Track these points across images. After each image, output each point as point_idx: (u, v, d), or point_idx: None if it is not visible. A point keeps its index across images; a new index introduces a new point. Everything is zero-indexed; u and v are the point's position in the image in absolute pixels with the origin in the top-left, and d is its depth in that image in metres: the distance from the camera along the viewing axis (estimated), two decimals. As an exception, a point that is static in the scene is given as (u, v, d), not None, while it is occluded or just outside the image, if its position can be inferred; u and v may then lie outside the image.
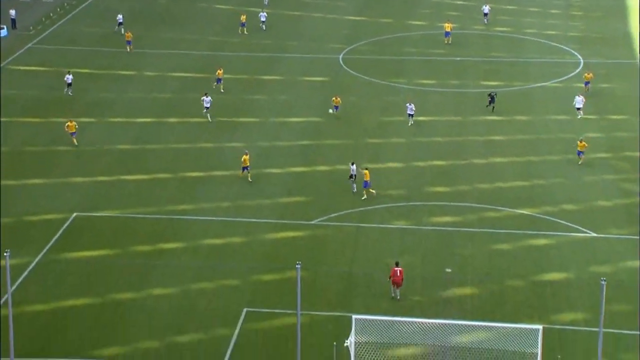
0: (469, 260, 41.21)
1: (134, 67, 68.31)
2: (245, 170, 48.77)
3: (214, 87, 62.87)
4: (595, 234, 43.37)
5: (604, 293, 27.54)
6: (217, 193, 48.44)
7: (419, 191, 48.44)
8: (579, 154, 50.54)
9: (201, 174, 50.92)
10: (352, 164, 47.98)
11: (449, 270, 40.30)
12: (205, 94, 57.94)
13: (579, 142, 50.99)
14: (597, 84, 64.09)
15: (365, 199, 45.51)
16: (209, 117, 57.30)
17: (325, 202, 46.59)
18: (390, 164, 51.86)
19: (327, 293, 38.57)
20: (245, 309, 37.42)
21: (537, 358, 30.66)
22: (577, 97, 57.32)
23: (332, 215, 45.30)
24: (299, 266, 29.35)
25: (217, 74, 63.58)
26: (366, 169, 46.93)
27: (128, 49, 70.86)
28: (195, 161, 52.44)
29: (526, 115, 59.16)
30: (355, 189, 46.97)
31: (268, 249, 42.49)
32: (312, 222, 44.95)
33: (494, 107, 57.97)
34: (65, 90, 61.31)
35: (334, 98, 57.92)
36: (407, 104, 56.56)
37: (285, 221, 45.03)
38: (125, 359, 33.98)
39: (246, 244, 43.00)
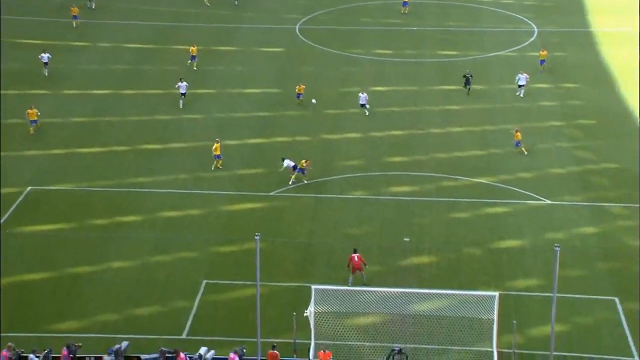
0: (426, 229, 41.47)
1: (88, 39, 66.95)
2: (218, 158, 46.89)
3: (188, 64, 60.82)
4: (549, 201, 43.96)
5: (558, 259, 27.93)
6: (175, 165, 47.92)
7: (377, 161, 48.49)
8: (517, 145, 48.49)
9: (158, 146, 50.30)
10: (283, 160, 45.71)
11: (407, 239, 40.53)
12: (180, 80, 54.72)
13: (515, 132, 48.83)
14: (551, 52, 64.58)
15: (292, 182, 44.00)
16: (180, 103, 53.93)
17: (283, 174, 46.39)
18: (349, 135, 51.77)
19: (286, 264, 38.55)
20: (204, 281, 37.26)
21: (493, 324, 31.08)
22: (519, 74, 55.99)
23: (290, 186, 45.15)
24: (257, 237, 29.21)
25: (190, 50, 61.22)
26: (306, 160, 45.08)
27: (74, 24, 68.86)
28: (152, 133, 51.76)
29: (482, 84, 59.44)
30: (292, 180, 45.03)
31: (226, 221, 42.26)
32: (270, 194, 44.78)
33: (469, 89, 56.00)
34: (44, 70, 58.40)
35: (298, 86, 55.26)
36: (360, 94, 53.19)
37: (243, 193, 44.78)
38: (83, 333, 33.63)
39: (204, 216, 42.70)
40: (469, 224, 41.94)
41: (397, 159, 48.74)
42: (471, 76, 56.42)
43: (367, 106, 53.71)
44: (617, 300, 35.67)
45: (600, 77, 60.41)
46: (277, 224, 41.97)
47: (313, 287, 32.19)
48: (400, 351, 30.77)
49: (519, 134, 48.97)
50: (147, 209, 43.22)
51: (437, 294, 33.60)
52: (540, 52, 60.68)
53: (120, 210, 42.96)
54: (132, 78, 60.14)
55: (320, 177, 46.50)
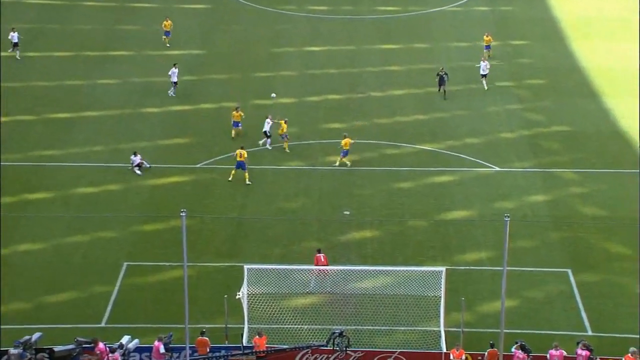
0: (368, 201, 41.77)
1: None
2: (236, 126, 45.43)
3: (163, 40, 57.53)
4: (498, 168, 44.72)
5: (508, 230, 28.47)
6: (89, 136, 47.06)
7: (314, 128, 48.49)
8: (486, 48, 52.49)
9: (70, 114, 49.29)
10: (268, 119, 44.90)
11: (347, 212, 40.75)
12: (175, 65, 50.96)
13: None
14: (497, 7, 65.39)
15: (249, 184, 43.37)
16: (171, 93, 50.67)
17: (210, 144, 45.97)
18: (282, 100, 51.56)
19: (216, 242, 38.40)
20: (125, 263, 36.87)
21: (440, 301, 31.61)
22: (481, 62, 52.20)
23: (219, 157, 44.83)
24: (183, 214, 28.93)
25: (163, 25, 57.28)
26: (242, 147, 42.77)
27: None
28: (62, 101, 50.63)
29: (425, 42, 59.85)
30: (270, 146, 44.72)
31: (148, 197, 41.80)
32: (197, 166, 44.40)
33: (445, 92, 50.82)
34: (11, 50, 54.50)
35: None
36: (267, 120, 45.61)
37: (167, 165, 44.28)
38: (-10, 325, 32.95)
39: (123, 191, 42.14)
40: (413, 194, 42.39)
41: (334, 125, 48.80)
42: (446, 74, 51.18)
43: (268, 133, 46.98)
44: (569, 271, 36.65)
45: (550, 33, 61.46)
46: (205, 198, 41.69)
47: (246, 266, 32.18)
48: (341, 333, 31.00)
49: (489, 37, 52.41)
50: (59, 184, 42.40)
51: (380, 270, 33.95)
52: (485, 37, 56.29)
53: (28, 186, 42.03)
54: (35, 37, 58.58)
55: (252, 147, 46.26)
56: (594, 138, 47.52)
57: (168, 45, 56.67)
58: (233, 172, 42.65)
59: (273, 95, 46.78)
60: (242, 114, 46.75)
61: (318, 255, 35.17)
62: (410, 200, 41.76)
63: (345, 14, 64.10)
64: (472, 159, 45.38)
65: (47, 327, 32.69)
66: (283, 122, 45.29)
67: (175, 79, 51.03)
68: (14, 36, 54.56)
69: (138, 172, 42.93)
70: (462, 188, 42.94)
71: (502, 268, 28.97)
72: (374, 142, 47.09)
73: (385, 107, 50.83)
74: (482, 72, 52.08)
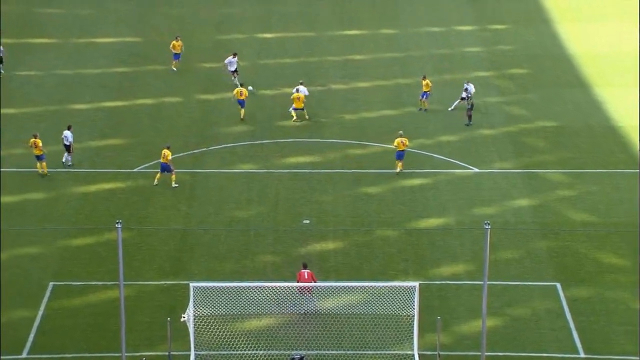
0: (330, 207, 42.06)
1: None
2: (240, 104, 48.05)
3: (174, 64, 53.94)
4: (477, 170, 45.29)
5: (488, 239, 28.88)
6: (7, 137, 46.77)
7: (267, 126, 48.69)
8: (423, 96, 49.33)
9: (-16, 112, 48.97)
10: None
11: (306, 221, 41.01)
12: (234, 54, 51.60)
13: (422, 80, 49.36)
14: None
15: (176, 186, 43.45)
16: (236, 79, 51.10)
17: (149, 145, 45.93)
18: (229, 94, 51.68)
19: (157, 257, 38.40)
20: (51, 283, 36.70)
21: (413, 321, 31.93)
22: (466, 84, 49.84)
23: (160, 160, 44.78)
24: (119, 225, 28.96)
25: (172, 46, 53.90)
26: (168, 147, 43.14)
27: None
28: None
29: (392, 28, 60.39)
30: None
31: (78, 206, 41.67)
32: (134, 170, 44.37)
33: (470, 117, 48.65)
34: None
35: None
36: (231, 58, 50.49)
37: (99, 170, 44.17)
38: None
39: (50, 200, 41.96)
40: (381, 200, 42.78)
41: (291, 122, 49.06)
42: (470, 97, 49.16)
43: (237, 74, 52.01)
44: (558, 286, 37.21)
45: (533, 15, 62.39)
46: (143, 207, 41.67)
47: (192, 284, 32.22)
48: (301, 359, 31.22)
49: (428, 82, 49.56)
50: (-27, 194, 42.11)
51: (345, 287, 34.18)
52: (422, 80, 50.33)
53: (-64, 196, 41.65)
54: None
55: (197, 147, 46.33)
56: (583, 134, 48.34)
57: (175, 69, 53.24)
58: (158, 175, 42.76)
59: (250, 88, 47.24)
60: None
61: (302, 271, 34.86)
62: (378, 207, 42.14)
63: (301, -5, 64.43)
64: (447, 159, 45.92)
65: (-39, 359, 32.47)
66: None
67: (234, 68, 51.67)
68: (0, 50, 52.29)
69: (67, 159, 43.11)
70: (436, 192, 43.43)
71: (482, 282, 29.38)
72: (336, 140, 47.42)
73: (349, 102, 51.20)
74: (463, 95, 49.66)
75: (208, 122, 48.77)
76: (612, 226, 40.38)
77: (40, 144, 43.10)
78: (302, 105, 48.20)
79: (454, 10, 62.39)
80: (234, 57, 52.21)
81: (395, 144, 43.98)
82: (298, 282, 34.55)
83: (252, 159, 45.59)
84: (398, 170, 44.20)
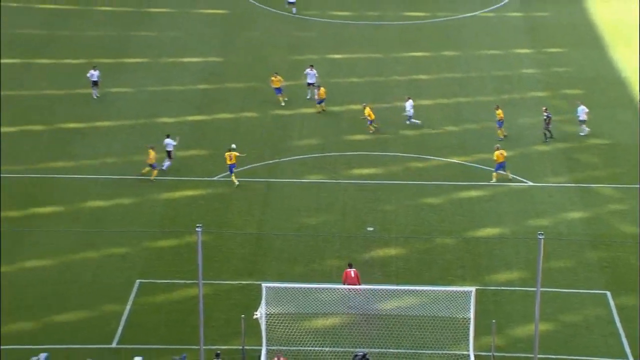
0: (393, 216, 41.85)
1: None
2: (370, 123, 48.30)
3: (278, 99, 52.09)
4: (532, 183, 44.66)
5: (542, 248, 28.45)
6: (101, 147, 47.53)
7: (336, 140, 48.67)
8: (499, 125, 47.76)
9: (80, 124, 49.83)
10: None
11: (370, 228, 40.85)
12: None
13: (495, 110, 48.28)
14: (531, 12, 65.43)
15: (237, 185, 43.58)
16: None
17: (242, 155, 46.21)
18: (302, 110, 51.86)
19: (234, 259, 38.60)
20: (137, 281, 37.14)
21: (469, 323, 31.57)
22: (579, 105, 48.58)
23: (237, 170, 45.10)
24: (199, 229, 29.19)
25: (271, 82, 51.87)
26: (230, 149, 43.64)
27: None
28: (72, 110, 51.20)
29: (454, 50, 59.97)
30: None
31: (163, 211, 42.11)
32: (214, 179, 44.71)
33: (549, 132, 47.87)
34: (94, 93, 52.04)
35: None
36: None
37: (182, 178, 44.61)
38: (-4, 345, 33.31)
39: (137, 205, 42.48)
40: (441, 210, 42.42)
41: (358, 137, 48.98)
42: (549, 117, 47.84)
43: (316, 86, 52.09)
44: (608, 294, 36.48)
45: (588, 40, 61.38)
46: (222, 213, 41.94)
47: (264, 285, 32.29)
48: (364, 356, 31.08)
49: (500, 111, 48.51)
50: (69, 198, 42.82)
51: (405, 290, 33.95)
52: (495, 110, 48.79)
53: (35, 200, 42.48)
54: (46, 44, 59.31)
55: (272, 158, 46.54)
56: (634, 151, 47.31)
57: (283, 103, 51.55)
58: (233, 177, 43.47)
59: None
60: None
61: (348, 270, 35.09)
62: (438, 217, 41.80)
63: (370, 20, 64.40)
64: (504, 173, 45.31)
65: (55, 348, 33.00)
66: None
67: (312, 80, 51.98)
68: (93, 74, 51.86)
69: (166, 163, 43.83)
70: (493, 204, 42.93)
71: (535, 289, 28.95)
72: (400, 154, 47.20)
73: (414, 118, 50.94)
74: (580, 118, 48.20)
75: (281, 136, 48.98)
76: (660, 239, 39.45)
77: (152, 155, 43.83)
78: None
79: (513, 35, 61.75)
80: (311, 70, 52.46)
81: (495, 156, 43.64)
82: (344, 280, 34.66)
83: (321, 170, 45.62)
84: (494, 180, 43.84)
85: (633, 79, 55.33)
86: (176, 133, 49.06)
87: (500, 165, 44.09)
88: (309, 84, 52.66)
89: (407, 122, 49.21)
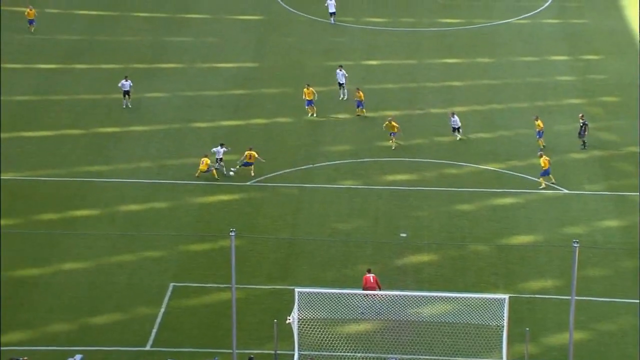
0: (426, 223, 41.72)
1: (32, 2, 66.54)
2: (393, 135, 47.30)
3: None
4: (567, 191, 44.32)
5: (577, 256, 28.23)
6: (136, 151, 47.90)
7: (369, 146, 48.64)
8: (539, 136, 47.00)
9: (116, 129, 50.25)
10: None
11: (403, 234, 40.76)
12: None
13: (535, 121, 47.46)
14: (568, 19, 64.97)
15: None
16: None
17: (261, 162, 46.42)
18: (336, 115, 51.90)
19: (266, 264, 38.69)
20: (171, 284, 37.34)
21: (503, 331, 31.40)
22: None
23: (270, 175, 45.23)
24: (233, 234, 29.33)
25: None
26: (250, 148, 44.65)
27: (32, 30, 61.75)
28: (109, 114, 51.66)
29: (489, 57, 59.70)
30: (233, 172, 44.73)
31: (197, 215, 42.32)
32: (247, 184, 44.87)
33: (585, 142, 47.42)
34: (124, 102, 51.81)
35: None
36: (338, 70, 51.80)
37: (216, 182, 44.84)
38: (30, 345, 33.63)
39: (171, 209, 42.74)
40: (474, 216, 42.22)
41: (389, 143, 48.91)
42: (586, 124, 47.49)
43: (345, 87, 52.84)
44: (644, 303, 36.11)
45: (625, 47, 60.80)
46: (255, 218, 42.07)
47: (297, 290, 32.35)
48: (396, 363, 31.01)
49: (540, 122, 47.73)
50: (104, 202, 43.19)
51: (438, 297, 33.84)
52: (535, 120, 47.86)
53: (72, 203, 42.89)
54: (83, 50, 59.95)
55: (305, 164, 46.61)
56: (671, 160, 46.80)
57: (313, 115, 50.97)
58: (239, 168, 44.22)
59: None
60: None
61: (367, 275, 35.17)
62: (471, 223, 41.60)
63: (404, 27, 64.31)
64: (538, 180, 45.02)
65: (90, 350, 33.30)
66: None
67: (342, 80, 52.57)
68: (124, 84, 51.60)
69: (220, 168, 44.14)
70: (527, 211, 42.65)
71: (569, 297, 28.72)
72: (433, 161, 47.06)
73: (446, 125, 50.75)
74: None
75: (315, 141, 49.04)
76: (697, 248, 38.93)
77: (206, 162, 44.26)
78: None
79: (549, 42, 61.33)
80: (340, 70, 52.92)
81: (542, 163, 43.65)
82: (364, 285, 34.66)
83: (355, 175, 45.60)
84: (543, 186, 43.70)
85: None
86: (211, 138, 49.34)
87: (546, 172, 43.79)
88: (340, 84, 52.80)
89: (457, 135, 48.18)
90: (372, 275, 35.16)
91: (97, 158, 47.15)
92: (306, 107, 51.12)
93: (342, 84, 52.99)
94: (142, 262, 38.80)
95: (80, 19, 64.74)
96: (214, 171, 44.45)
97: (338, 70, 53.27)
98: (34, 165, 46.16)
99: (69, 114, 51.75)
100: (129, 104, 51.98)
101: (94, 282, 37.57)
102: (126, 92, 51.87)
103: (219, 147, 45.22)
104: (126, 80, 51.96)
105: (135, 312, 35.75)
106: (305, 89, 51.01)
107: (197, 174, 44.61)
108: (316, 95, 51.03)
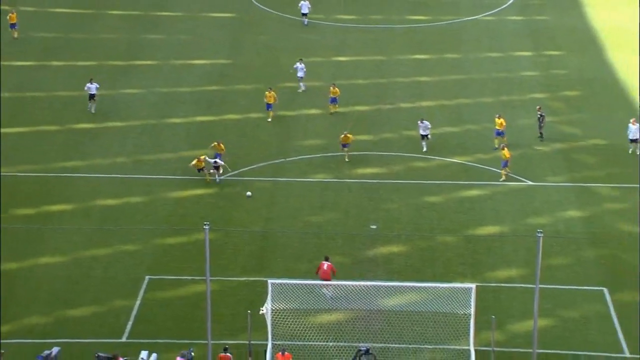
0: (395, 215, 41.72)
1: (6, 1, 65.74)
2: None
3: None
4: (531, 183, 44.48)
5: (541, 246, 28.32)
6: (112, 147, 47.49)
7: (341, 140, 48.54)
8: (498, 134, 46.85)
9: (92, 125, 49.81)
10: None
11: (374, 226, 40.73)
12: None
13: (496, 119, 47.18)
14: (531, 16, 65.22)
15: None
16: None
17: (234, 156, 46.18)
18: (307, 111, 51.74)
19: (241, 256, 38.53)
20: (147, 277, 37.10)
21: (470, 319, 31.45)
22: (630, 125, 46.40)
23: (244, 169, 45.01)
24: (207, 227, 29.14)
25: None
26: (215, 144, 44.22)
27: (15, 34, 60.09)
28: (85, 111, 51.16)
29: (456, 53, 59.79)
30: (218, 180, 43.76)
31: (171, 209, 42.05)
32: (222, 178, 44.62)
33: (542, 133, 47.74)
34: (89, 106, 50.27)
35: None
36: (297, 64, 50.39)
37: (190, 177, 44.54)
38: (7, 338, 33.24)
39: (146, 203, 42.44)
40: (442, 208, 42.28)
41: (362, 137, 48.84)
42: (542, 116, 47.77)
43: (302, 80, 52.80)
44: (605, 291, 36.31)
45: (586, 43, 61.15)
46: (229, 211, 41.88)
47: (270, 281, 32.23)
48: (367, 351, 30.97)
49: (502, 120, 47.29)
50: (81, 196, 42.80)
51: (407, 287, 33.85)
52: (495, 118, 47.64)
53: (49, 198, 42.46)
54: (59, 47, 59.31)
55: (277, 158, 46.42)
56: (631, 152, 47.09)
57: (269, 119, 49.78)
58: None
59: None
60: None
61: (322, 262, 35.29)
62: (439, 215, 41.65)
63: (374, 24, 64.25)
64: (501, 172, 45.09)
65: (67, 342, 32.98)
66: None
67: (301, 74, 52.22)
68: (90, 87, 50.12)
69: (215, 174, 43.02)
70: (493, 203, 42.76)
71: (534, 286, 28.82)
72: (402, 154, 47.05)
73: (415, 119, 50.67)
74: (631, 137, 46.24)
75: (287, 136, 48.89)
76: (656, 237, 39.25)
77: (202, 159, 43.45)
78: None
79: (513, 38, 61.56)
80: (300, 63, 52.61)
81: (504, 155, 43.40)
82: (318, 271, 34.98)
83: (326, 169, 45.49)
84: (503, 178, 43.69)
85: (630, 81, 55.08)
86: (185, 133, 49.07)
87: (506, 163, 43.87)
88: (299, 78, 52.58)
89: (423, 145, 46.91)
90: (327, 263, 35.29)
91: (74, 154, 46.71)
92: (267, 110, 49.68)
93: (301, 77, 52.71)
94: (118, 255, 38.49)
95: (56, 17, 64.08)
96: (207, 175, 43.31)
97: (298, 64, 52.98)
98: (12, 160, 45.63)
99: (46, 111, 51.20)
100: (93, 108, 50.26)
101: (71, 275, 37.24)
102: (92, 96, 50.15)
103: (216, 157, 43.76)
104: (91, 83, 50.27)
105: (111, 304, 35.47)
106: (267, 92, 49.75)
107: (193, 165, 43.45)
108: (276, 100, 49.90)
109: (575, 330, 34.19)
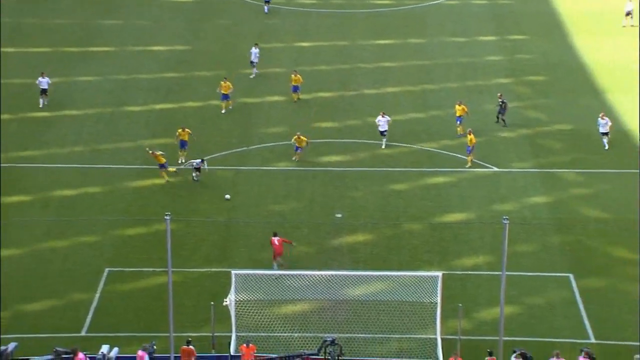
0: (361, 203, 41.85)
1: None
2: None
3: (223, 105, 51.75)
4: (496, 169, 44.87)
5: (507, 233, 28.60)
6: (69, 136, 47.02)
7: (304, 128, 48.46)
8: (458, 121, 47.02)
9: (48, 113, 49.25)
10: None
11: (339, 215, 40.83)
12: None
13: (457, 106, 47.15)
14: (494, 0, 65.63)
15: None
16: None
17: (195, 144, 45.97)
18: (270, 98, 51.63)
19: (204, 247, 38.42)
20: (106, 269, 36.86)
21: (436, 308, 31.69)
22: (599, 119, 46.13)
23: (205, 157, 44.81)
24: (168, 217, 29.00)
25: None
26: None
27: None
28: (39, 98, 50.49)
29: (420, 37, 60.01)
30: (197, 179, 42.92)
31: (131, 199, 41.79)
32: (182, 167, 44.40)
33: (504, 120, 47.94)
34: (41, 101, 49.30)
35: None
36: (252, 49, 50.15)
37: (150, 166, 44.26)
38: (-35, 335, 32.87)
39: (105, 194, 42.12)
40: (408, 196, 42.50)
41: (326, 124, 48.88)
42: (504, 102, 48.04)
43: (256, 65, 52.92)
44: (571, 277, 36.79)
45: (551, 27, 61.71)
46: (190, 201, 41.71)
47: (233, 272, 32.22)
48: (333, 342, 31.10)
49: (463, 107, 47.32)
50: (37, 187, 42.36)
51: (373, 276, 34.03)
52: (457, 105, 47.60)
53: (4, 189, 41.95)
54: (11, 33, 58.48)
55: (239, 146, 46.31)
56: (596, 137, 47.64)
57: (224, 111, 49.18)
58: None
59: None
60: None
61: (273, 238, 36.03)
62: (405, 203, 41.87)
63: (336, 8, 64.20)
64: (467, 158, 45.42)
65: (24, 337, 32.67)
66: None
67: (255, 59, 52.21)
68: (42, 82, 49.15)
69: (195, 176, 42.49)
70: (458, 189, 43.07)
71: (500, 273, 29.11)
72: (367, 141, 47.18)
73: (379, 105, 50.87)
74: (602, 130, 45.93)
75: (249, 124, 48.77)
76: (622, 222, 39.82)
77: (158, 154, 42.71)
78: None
79: (477, 23, 61.93)
80: (255, 48, 52.84)
81: (470, 140, 43.57)
82: (272, 245, 35.90)
83: (289, 157, 45.45)
84: (469, 164, 43.98)
85: (594, 66, 55.71)
86: (144, 121, 48.74)
87: (469, 149, 44.15)
88: (252, 63, 52.55)
89: (382, 143, 46.29)
90: (277, 238, 35.99)
91: (30, 143, 46.18)
92: (222, 101, 49.21)
93: (254, 62, 52.72)
94: (76, 247, 38.19)
95: (7, 1, 63.11)
96: (164, 173, 42.65)
97: (253, 49, 52.87)
98: (-37, 151, 45.01)
99: (-2, 99, 50.57)
100: (45, 102, 49.40)
101: (28, 268, 36.88)
102: (44, 91, 49.24)
103: (199, 160, 42.99)
104: (43, 77, 49.33)
105: (70, 297, 35.21)
106: (222, 82, 49.09)
107: (154, 156, 42.65)
108: (232, 89, 49.43)
109: (542, 317, 34.62)
